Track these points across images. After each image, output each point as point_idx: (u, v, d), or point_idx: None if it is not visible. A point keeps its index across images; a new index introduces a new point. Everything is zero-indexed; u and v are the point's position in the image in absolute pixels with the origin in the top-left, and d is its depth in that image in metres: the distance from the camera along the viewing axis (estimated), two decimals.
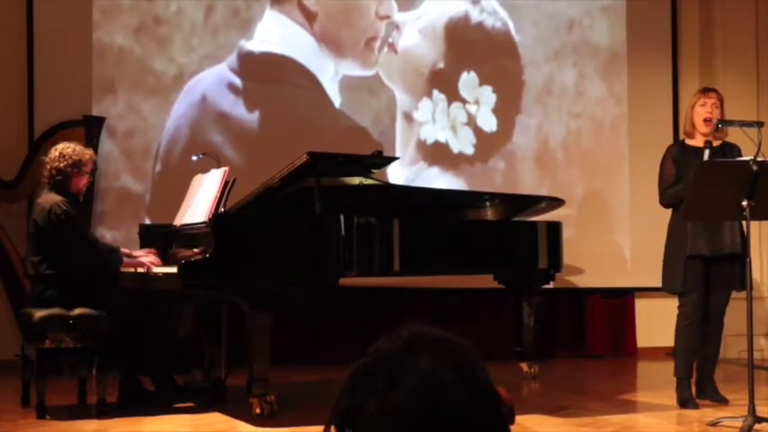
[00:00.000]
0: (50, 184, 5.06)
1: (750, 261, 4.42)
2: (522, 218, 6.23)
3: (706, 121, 5.12)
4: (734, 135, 5.07)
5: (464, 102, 7.39)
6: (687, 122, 5.26)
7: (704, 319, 5.16)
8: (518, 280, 6.27)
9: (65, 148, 5.07)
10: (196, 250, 5.04)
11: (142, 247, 5.59)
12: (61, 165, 5.03)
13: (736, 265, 5.08)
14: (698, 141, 5.14)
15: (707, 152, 4.92)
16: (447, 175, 7.32)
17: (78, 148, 5.10)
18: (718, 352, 5.33)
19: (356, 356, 1.17)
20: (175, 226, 5.42)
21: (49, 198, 5.03)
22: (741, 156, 5.08)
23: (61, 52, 6.90)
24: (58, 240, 4.98)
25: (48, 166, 5.06)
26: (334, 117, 7.19)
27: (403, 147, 7.28)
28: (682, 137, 5.40)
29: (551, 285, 6.28)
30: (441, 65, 7.37)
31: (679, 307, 5.18)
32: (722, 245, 5.03)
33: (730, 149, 5.18)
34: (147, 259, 5.15)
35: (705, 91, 5.26)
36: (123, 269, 5.13)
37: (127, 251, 5.21)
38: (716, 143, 5.12)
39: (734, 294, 5.18)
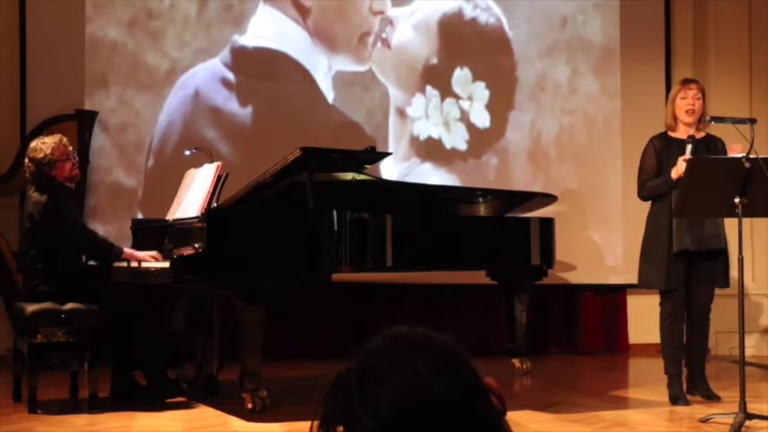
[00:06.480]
0: (36, 183, 5.06)
1: (742, 258, 4.40)
2: (514, 214, 6.23)
3: (688, 112, 5.07)
4: (721, 129, 5.04)
5: (457, 98, 7.39)
6: (669, 116, 5.17)
7: (688, 315, 5.14)
8: (510, 276, 6.28)
9: (30, 152, 5.06)
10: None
11: (134, 241, 5.58)
12: (34, 167, 5.03)
13: (718, 262, 5.08)
14: (681, 134, 5.09)
15: (689, 147, 4.89)
16: (440, 170, 7.32)
17: (41, 145, 5.04)
18: (706, 349, 5.31)
19: (349, 352, 1.17)
20: (168, 220, 5.41)
21: (42, 191, 5.03)
22: (725, 149, 5.08)
23: (54, 46, 6.89)
24: (53, 230, 4.97)
25: (27, 170, 5.09)
26: (328, 112, 7.18)
27: (396, 142, 7.28)
28: (664, 130, 5.29)
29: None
30: (434, 60, 7.36)
31: (661, 304, 5.15)
32: (705, 240, 5.01)
33: (714, 143, 5.14)
34: (149, 253, 5.12)
35: (685, 83, 5.16)
36: (116, 264, 5.12)
37: (130, 251, 5.18)
38: (699, 135, 5.11)
39: (725, 291, 5.18)
